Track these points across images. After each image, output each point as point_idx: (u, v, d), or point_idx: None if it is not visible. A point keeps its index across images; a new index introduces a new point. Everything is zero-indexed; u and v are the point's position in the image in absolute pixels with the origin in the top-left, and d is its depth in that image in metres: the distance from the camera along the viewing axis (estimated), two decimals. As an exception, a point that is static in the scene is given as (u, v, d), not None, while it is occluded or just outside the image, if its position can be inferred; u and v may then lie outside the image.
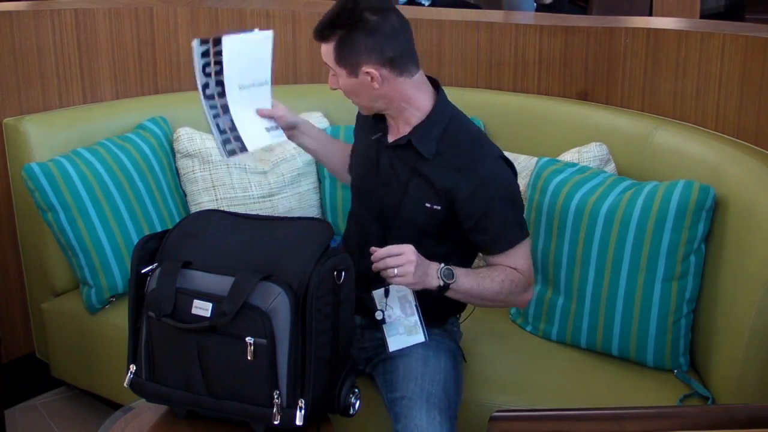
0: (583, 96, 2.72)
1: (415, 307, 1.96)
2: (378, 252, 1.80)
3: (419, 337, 1.96)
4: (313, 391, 1.71)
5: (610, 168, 2.46)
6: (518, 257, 1.94)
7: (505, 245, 1.93)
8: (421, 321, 1.96)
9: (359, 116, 2.13)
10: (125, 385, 1.84)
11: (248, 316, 1.67)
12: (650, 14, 4.73)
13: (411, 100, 1.94)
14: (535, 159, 2.52)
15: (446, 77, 2.91)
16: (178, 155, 2.71)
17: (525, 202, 2.40)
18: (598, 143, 2.48)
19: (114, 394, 2.55)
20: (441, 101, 1.98)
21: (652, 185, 2.20)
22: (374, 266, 1.80)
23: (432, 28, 2.88)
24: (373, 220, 2.01)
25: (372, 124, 2.04)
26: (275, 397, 1.69)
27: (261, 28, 1.99)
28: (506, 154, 2.59)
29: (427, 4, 4.95)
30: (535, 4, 5.03)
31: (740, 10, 5.53)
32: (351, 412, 1.81)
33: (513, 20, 2.87)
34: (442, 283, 1.83)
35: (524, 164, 2.58)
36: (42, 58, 2.67)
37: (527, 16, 3.15)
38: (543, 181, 2.34)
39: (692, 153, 2.30)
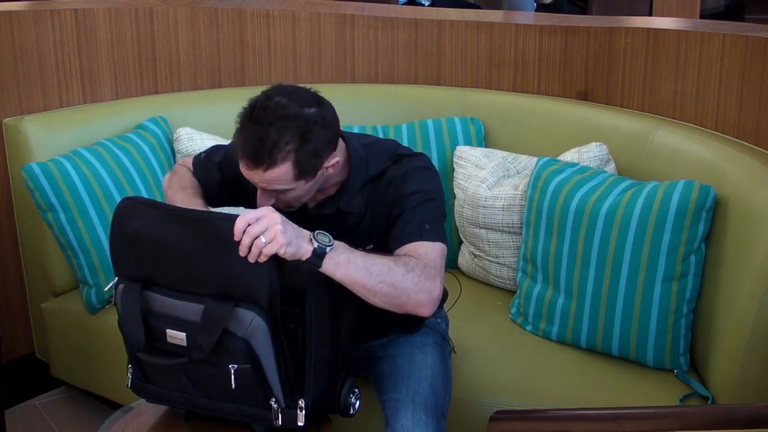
0: (583, 96, 2.72)
1: None
2: (236, 227, 1.55)
3: None
4: (313, 390, 1.71)
5: (610, 168, 2.46)
6: (416, 249, 1.73)
7: (399, 241, 1.76)
8: None
9: (237, 178, 1.82)
10: (127, 385, 1.84)
11: (226, 346, 1.62)
12: (650, 14, 4.73)
13: (336, 166, 1.78)
14: (535, 159, 2.52)
15: (446, 77, 2.91)
16: (178, 155, 2.71)
17: (525, 202, 2.41)
18: (598, 143, 2.48)
19: (114, 394, 2.55)
20: (352, 147, 1.83)
21: (652, 185, 2.20)
22: (241, 245, 1.56)
23: (432, 28, 2.88)
24: None
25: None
26: (272, 403, 1.69)
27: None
28: (506, 153, 2.62)
29: (427, 4, 4.96)
30: (535, 4, 5.03)
31: (740, 10, 5.55)
32: (351, 412, 1.81)
33: (513, 20, 2.87)
34: (316, 246, 1.58)
35: (524, 164, 2.58)
36: (42, 58, 2.67)
37: (527, 16, 3.15)
38: (543, 181, 2.34)
39: (692, 153, 2.30)
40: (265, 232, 1.55)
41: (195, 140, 2.68)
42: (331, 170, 1.76)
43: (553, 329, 2.30)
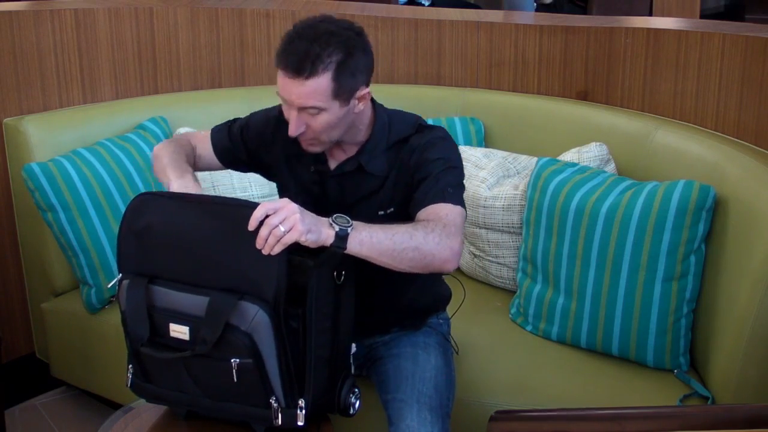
0: (583, 96, 2.72)
1: None
2: (253, 216, 1.57)
3: None
4: (313, 390, 1.71)
5: (610, 168, 2.46)
6: (437, 211, 1.75)
7: (421, 202, 1.78)
8: None
9: (260, 131, 1.96)
10: (127, 385, 1.84)
11: (229, 339, 1.63)
12: (650, 14, 4.74)
13: (363, 116, 1.82)
14: (535, 159, 2.52)
15: (446, 77, 2.91)
16: (178, 155, 2.71)
17: (525, 202, 2.41)
18: (598, 143, 2.48)
19: (114, 394, 2.55)
20: (378, 110, 1.87)
21: (652, 185, 2.20)
22: (259, 236, 1.57)
23: (432, 28, 2.88)
24: None
25: (295, 149, 1.86)
26: (273, 402, 1.69)
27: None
28: (506, 153, 2.63)
29: (427, 4, 4.96)
30: (535, 4, 5.04)
31: (740, 10, 5.56)
32: (351, 412, 1.81)
33: (513, 20, 2.87)
34: (338, 229, 1.59)
35: (524, 164, 2.58)
36: (42, 58, 2.67)
37: (527, 16, 3.15)
38: (543, 181, 2.34)
39: (692, 153, 2.30)
40: (283, 221, 1.56)
41: (195, 140, 2.67)
42: (361, 105, 1.77)
43: (553, 329, 2.30)
